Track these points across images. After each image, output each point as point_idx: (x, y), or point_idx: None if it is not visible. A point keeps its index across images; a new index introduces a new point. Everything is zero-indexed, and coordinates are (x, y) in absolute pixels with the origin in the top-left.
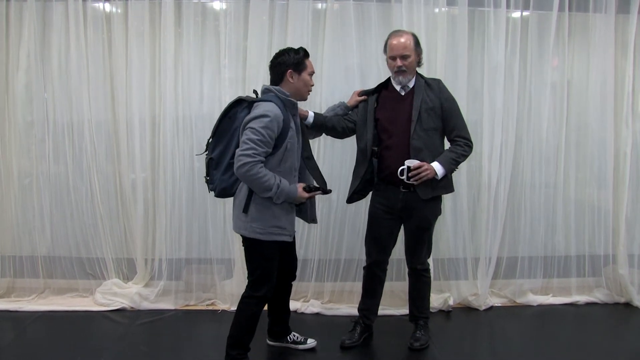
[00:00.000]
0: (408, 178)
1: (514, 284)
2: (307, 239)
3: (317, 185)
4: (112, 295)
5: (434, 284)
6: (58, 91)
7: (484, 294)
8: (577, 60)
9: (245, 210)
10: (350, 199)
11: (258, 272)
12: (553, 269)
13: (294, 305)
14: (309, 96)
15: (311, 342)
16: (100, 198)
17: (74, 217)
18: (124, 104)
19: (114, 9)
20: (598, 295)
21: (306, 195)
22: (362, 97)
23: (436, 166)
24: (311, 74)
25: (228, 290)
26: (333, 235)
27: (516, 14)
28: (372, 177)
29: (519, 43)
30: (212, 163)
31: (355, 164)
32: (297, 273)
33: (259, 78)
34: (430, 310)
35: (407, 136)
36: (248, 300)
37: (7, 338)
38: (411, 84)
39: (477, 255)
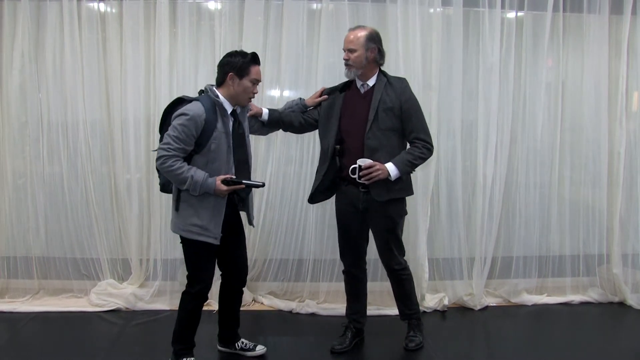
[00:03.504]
0: (359, 177)
1: (509, 284)
2: (302, 239)
3: (237, 179)
4: (107, 295)
5: (429, 284)
6: (52, 91)
7: (479, 293)
8: (572, 60)
9: (177, 208)
10: (312, 198)
11: (190, 269)
12: (548, 269)
13: (289, 305)
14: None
15: (260, 349)
16: (95, 198)
17: (69, 217)
18: (118, 104)
19: (108, 9)
20: (592, 295)
21: (224, 188)
22: (323, 97)
23: (390, 167)
24: (254, 81)
25: None
26: (328, 235)
27: (511, 15)
28: (335, 177)
29: (513, 43)
30: None
31: (318, 163)
32: (292, 273)
33: None
34: (426, 310)
35: (363, 135)
36: (185, 296)
37: (1, 339)
38: (371, 82)
39: (472, 255)
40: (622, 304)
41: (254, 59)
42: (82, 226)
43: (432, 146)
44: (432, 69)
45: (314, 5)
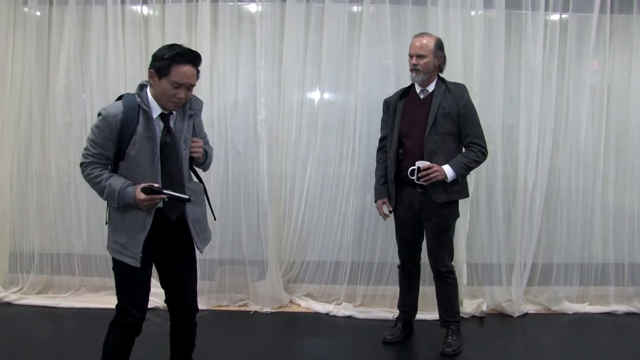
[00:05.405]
0: (418, 178)
1: (549, 291)
2: (340, 241)
3: (158, 188)
4: None
5: (467, 289)
6: (96, 92)
7: (518, 300)
8: (618, 63)
9: (106, 221)
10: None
11: (118, 295)
12: (590, 277)
13: (326, 307)
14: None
15: None
16: None
17: None
18: None
19: (151, 12)
20: (637, 305)
21: (143, 197)
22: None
23: (447, 169)
24: (176, 84)
25: (260, 291)
26: (367, 237)
27: (555, 17)
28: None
29: (557, 46)
30: None
31: (387, 170)
32: (330, 275)
33: (295, 80)
34: (463, 315)
35: (423, 139)
36: (112, 327)
37: (44, 333)
38: (431, 88)
39: (511, 260)
40: None
41: (178, 55)
42: None
43: (486, 151)
44: (473, 72)
45: (355, 8)
